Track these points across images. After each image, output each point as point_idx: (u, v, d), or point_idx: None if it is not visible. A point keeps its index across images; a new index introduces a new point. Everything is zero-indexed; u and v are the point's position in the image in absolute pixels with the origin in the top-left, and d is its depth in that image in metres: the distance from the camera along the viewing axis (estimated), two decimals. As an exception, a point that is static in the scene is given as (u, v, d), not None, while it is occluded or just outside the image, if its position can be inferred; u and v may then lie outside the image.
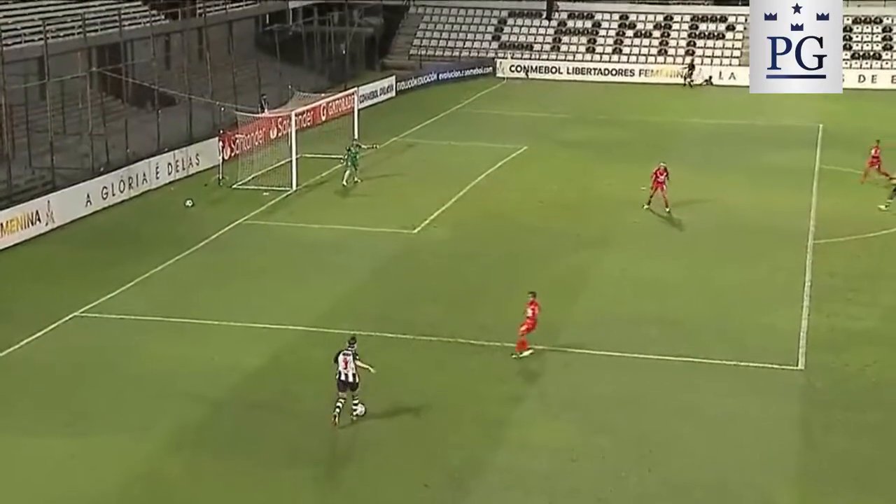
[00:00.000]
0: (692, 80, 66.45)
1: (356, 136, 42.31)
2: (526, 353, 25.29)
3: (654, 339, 26.39)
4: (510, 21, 73.81)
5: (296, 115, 43.24)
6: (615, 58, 70.31)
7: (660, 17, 72.10)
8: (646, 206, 37.19)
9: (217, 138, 43.45)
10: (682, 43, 70.44)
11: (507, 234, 35.54)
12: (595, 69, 69.02)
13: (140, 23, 50.69)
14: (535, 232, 35.67)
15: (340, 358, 22.06)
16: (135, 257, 32.42)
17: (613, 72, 68.76)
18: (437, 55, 71.91)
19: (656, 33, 71.56)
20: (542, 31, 72.81)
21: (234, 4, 61.74)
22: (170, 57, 54.07)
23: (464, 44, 72.85)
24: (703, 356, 25.60)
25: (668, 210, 36.68)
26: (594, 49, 71.19)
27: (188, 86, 47.39)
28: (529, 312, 25.16)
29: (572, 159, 46.01)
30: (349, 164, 40.55)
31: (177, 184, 41.47)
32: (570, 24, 72.86)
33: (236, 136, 44.29)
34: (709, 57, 69.41)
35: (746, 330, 27.19)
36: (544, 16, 73.15)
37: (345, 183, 39.84)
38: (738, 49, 69.40)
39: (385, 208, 37.96)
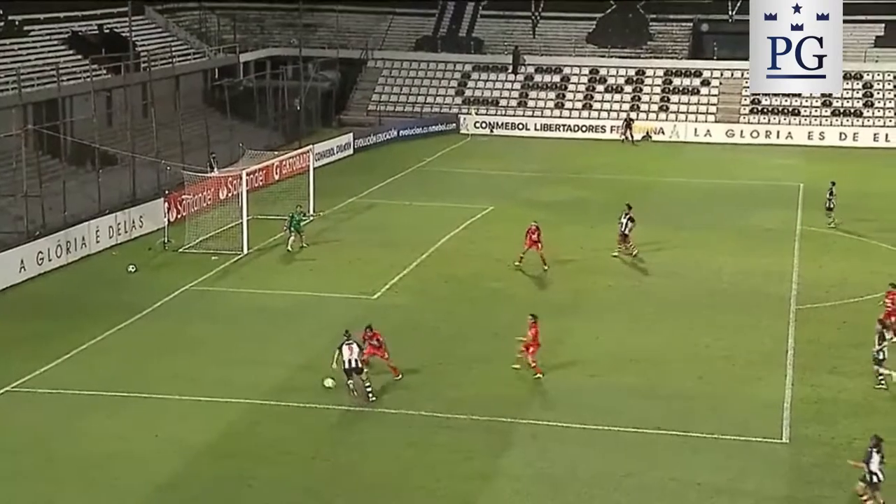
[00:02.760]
0: (632, 137, 67.53)
1: (300, 204, 42.44)
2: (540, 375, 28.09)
3: (630, 411, 26.49)
4: (474, 75, 74.70)
5: (247, 174, 43.34)
6: (585, 114, 71.20)
7: (631, 72, 73.26)
8: (517, 264, 38.55)
9: (162, 199, 43.47)
10: (656, 98, 71.55)
11: (472, 299, 35.68)
12: (564, 125, 69.85)
13: (80, 77, 50.92)
14: (502, 297, 35.83)
15: (345, 348, 26.71)
16: (72, 327, 32.20)
17: (583, 128, 69.56)
18: (397, 111, 72.53)
19: (628, 88, 72.64)
20: (507, 85, 73.71)
21: (181, 58, 62.22)
22: (112, 113, 54.29)
23: (426, 99, 73.55)
24: (682, 429, 25.69)
25: (545, 268, 38.20)
26: (563, 104, 72.09)
27: (131, 144, 47.48)
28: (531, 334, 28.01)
29: (541, 220, 46.24)
30: (291, 229, 40.55)
31: (118, 248, 41.36)
32: (538, 78, 73.84)
33: (183, 196, 44.32)
34: (683, 113, 70.49)
35: (728, 401, 27.36)
36: (510, 70, 74.12)
37: (289, 248, 40.03)
38: (714, 105, 70.61)
39: (342, 273, 38.04)
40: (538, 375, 28.42)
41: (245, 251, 40.40)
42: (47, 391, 27.69)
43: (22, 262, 37.12)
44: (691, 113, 70.42)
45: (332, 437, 22.39)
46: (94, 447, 24.60)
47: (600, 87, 72.89)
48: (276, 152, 52.66)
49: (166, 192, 44.19)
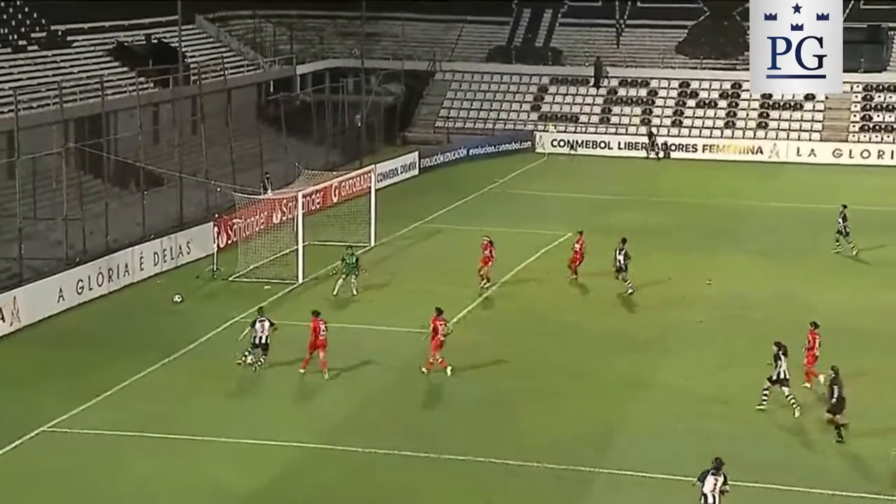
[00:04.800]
0: (658, 152, 67.90)
1: (352, 246, 41.23)
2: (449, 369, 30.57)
3: (724, 461, 26.08)
4: (552, 89, 74.75)
5: (303, 196, 43.68)
6: (674, 131, 70.88)
7: (726, 85, 72.75)
8: (483, 285, 39.63)
9: (211, 223, 43.93)
10: (753, 114, 70.94)
11: (546, 334, 35.57)
12: (679, 145, 69.41)
13: (125, 91, 51.78)
14: (580, 332, 35.69)
15: (257, 324, 31.53)
16: (113, 362, 32.57)
17: (672, 147, 69.25)
18: (466, 127, 72.82)
19: (722, 103, 72.19)
20: (588, 99, 73.65)
21: (234, 70, 63.03)
22: (158, 130, 55.03)
23: (498, 114, 73.72)
24: (781, 482, 25.32)
25: (487, 285, 39.47)
26: (650, 121, 71.83)
27: (179, 163, 48.12)
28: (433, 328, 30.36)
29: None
30: (344, 272, 39.14)
31: (164, 276, 41.83)
32: (622, 92, 73.68)
33: (234, 220, 44.75)
34: (784, 130, 69.77)
35: (833, 455, 26.89)
36: (591, 83, 74.07)
37: (334, 294, 39.06)
38: (819, 122, 69.75)
39: (405, 304, 38.09)
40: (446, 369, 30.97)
41: (300, 280, 40.66)
42: (85, 431, 28.00)
43: (61, 290, 37.64)
44: (793, 130, 69.80)
45: (388, 485, 22.33)
46: (133, 492, 24.82)
47: (691, 102, 72.54)
48: (334, 172, 53.14)
49: (216, 215, 44.70)
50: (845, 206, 45.54)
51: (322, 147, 63.09)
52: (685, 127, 71.09)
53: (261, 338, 31.69)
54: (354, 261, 39.27)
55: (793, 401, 28.83)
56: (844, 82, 68.77)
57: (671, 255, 44.82)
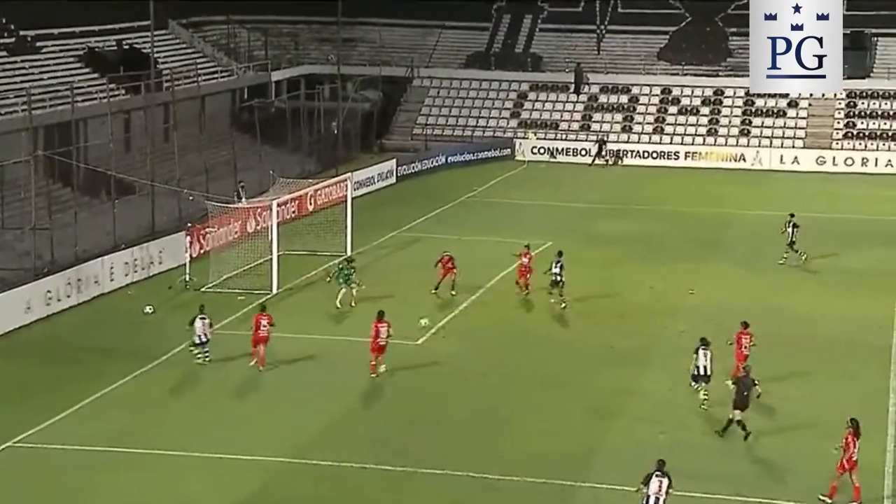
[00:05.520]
0: (606, 158, 68.07)
1: (353, 258, 41.45)
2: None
3: (707, 476, 26.17)
4: (531, 95, 74.94)
5: (278, 204, 43.67)
6: (656, 138, 71.15)
7: (708, 92, 73.14)
8: (433, 291, 40.26)
9: (184, 233, 43.83)
10: (736, 121, 71.31)
11: (526, 346, 35.57)
12: (632, 151, 69.79)
13: (96, 98, 51.69)
14: (561, 344, 35.73)
15: (197, 321, 33.08)
16: (83, 375, 32.44)
17: (654, 154, 69.52)
18: (445, 135, 72.89)
19: (704, 110, 72.50)
20: (569, 106, 73.86)
21: (208, 77, 62.96)
22: (130, 138, 54.98)
23: (477, 121, 73.87)
24: (762, 495, 25.37)
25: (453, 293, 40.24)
26: (631, 128, 72.08)
27: (151, 171, 48.01)
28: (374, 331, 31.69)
29: (605, 257, 46.24)
30: (340, 281, 39.27)
31: (135, 287, 41.72)
32: (603, 98, 73.91)
33: (207, 229, 44.69)
34: (767, 137, 70.13)
35: (817, 466, 26.94)
36: (572, 89, 74.30)
37: (338, 305, 39.47)
38: (803, 129, 70.12)
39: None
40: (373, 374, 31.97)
41: (275, 290, 40.59)
42: (55, 446, 27.83)
43: (29, 302, 37.48)
44: (776, 138, 70.12)
45: (364, 499, 22.29)
46: (104, 508, 24.71)
47: (673, 109, 72.81)
48: (310, 180, 53.08)
49: (189, 224, 44.59)
50: (793, 215, 45.31)
51: (297, 155, 63.09)
52: (667, 134, 71.32)
53: (200, 336, 33.22)
54: (352, 272, 39.33)
55: (704, 396, 29.87)
56: (829, 88, 69.63)
57: (653, 265, 44.92)
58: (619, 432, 28.88)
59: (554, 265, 39.40)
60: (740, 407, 28.14)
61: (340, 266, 39.79)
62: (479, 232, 50.67)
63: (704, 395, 30.12)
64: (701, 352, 30.16)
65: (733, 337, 31.82)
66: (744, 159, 68.52)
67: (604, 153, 68.63)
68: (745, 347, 31.40)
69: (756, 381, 28.35)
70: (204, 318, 33.34)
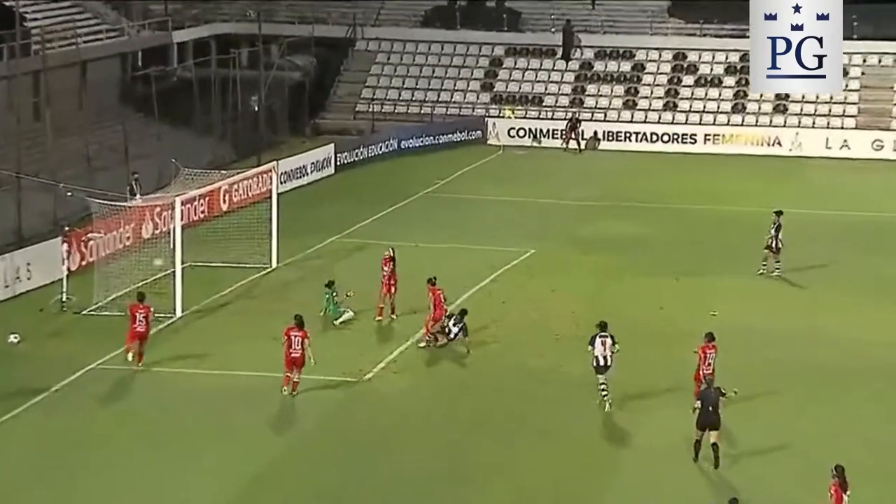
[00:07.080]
0: (579, 143, 69.00)
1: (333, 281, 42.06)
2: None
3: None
4: (508, 62, 75.27)
5: (182, 202, 43.69)
6: (667, 116, 71.59)
7: (734, 57, 72.94)
8: (377, 319, 40.81)
9: (60, 239, 43.80)
10: (769, 95, 71.23)
11: (501, 382, 35.79)
12: (636, 133, 70.26)
13: (-55, 65, 51.54)
14: (545, 379, 35.89)
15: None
16: (-69, 421, 32.48)
17: (664, 137, 69.90)
18: (397, 112, 73.18)
19: (729, 80, 72.87)
20: (556, 76, 74.24)
21: (90, 37, 62.89)
22: (-9, 116, 54.86)
23: (438, 96, 74.17)
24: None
25: (393, 316, 40.79)
26: (635, 103, 72.50)
27: (17, 159, 47.93)
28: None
29: (601, 268, 46.49)
30: (333, 310, 40.45)
31: (-3, 309, 41.76)
32: (599, 66, 74.36)
33: (90, 235, 44.70)
34: (808, 115, 70.01)
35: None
36: (559, 55, 74.66)
37: (336, 322, 40.19)
38: (854, 104, 70.35)
39: (318, 345, 38.09)
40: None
41: (178, 313, 40.65)
42: None
43: None
44: (820, 116, 70.25)
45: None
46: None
47: (689, 80, 73.25)
48: (224, 172, 53.10)
49: (66, 228, 44.58)
50: (779, 214, 45.67)
51: (207, 138, 63.15)
52: (681, 111, 71.66)
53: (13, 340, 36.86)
54: (334, 293, 40.43)
55: (604, 391, 32.76)
56: (885, 53, 70.18)
57: (663, 278, 45.20)
58: (620, 489, 29.19)
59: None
60: (707, 426, 29.70)
61: (326, 296, 40.50)
62: (444, 237, 50.80)
63: (603, 387, 32.98)
64: (598, 340, 32.99)
65: (698, 350, 33.36)
66: (779, 143, 68.88)
67: (575, 135, 69.09)
68: (709, 364, 32.86)
69: (724, 391, 30.48)
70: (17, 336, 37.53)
